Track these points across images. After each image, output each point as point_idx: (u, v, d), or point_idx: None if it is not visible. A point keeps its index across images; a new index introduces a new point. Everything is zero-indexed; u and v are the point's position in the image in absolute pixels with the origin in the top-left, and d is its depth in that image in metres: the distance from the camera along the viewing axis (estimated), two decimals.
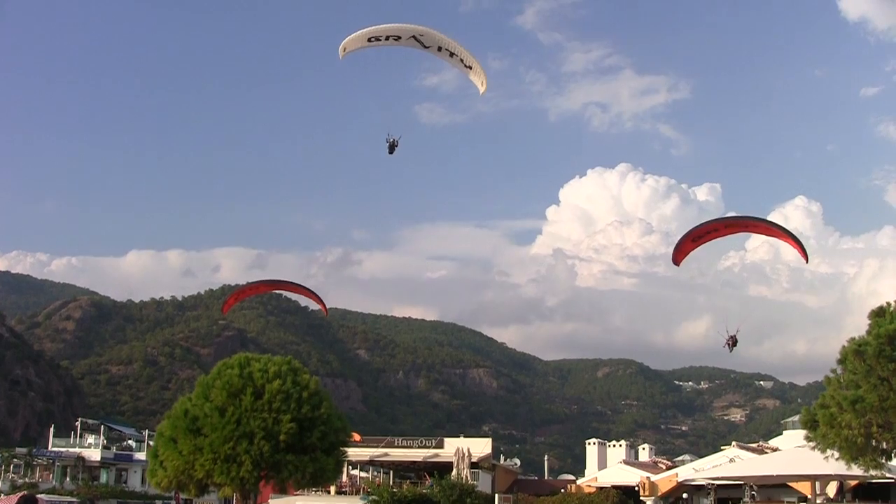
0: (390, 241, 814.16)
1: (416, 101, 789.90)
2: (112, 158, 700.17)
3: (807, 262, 51.15)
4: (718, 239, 53.50)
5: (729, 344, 52.98)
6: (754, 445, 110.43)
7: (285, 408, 47.28)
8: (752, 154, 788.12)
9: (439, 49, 45.71)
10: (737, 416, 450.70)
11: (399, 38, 45.05)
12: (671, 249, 51.37)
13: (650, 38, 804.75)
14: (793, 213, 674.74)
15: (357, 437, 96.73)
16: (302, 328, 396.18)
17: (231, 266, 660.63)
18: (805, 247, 49.35)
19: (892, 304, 47.86)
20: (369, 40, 45.16)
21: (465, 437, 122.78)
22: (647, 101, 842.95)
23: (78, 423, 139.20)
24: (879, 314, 47.66)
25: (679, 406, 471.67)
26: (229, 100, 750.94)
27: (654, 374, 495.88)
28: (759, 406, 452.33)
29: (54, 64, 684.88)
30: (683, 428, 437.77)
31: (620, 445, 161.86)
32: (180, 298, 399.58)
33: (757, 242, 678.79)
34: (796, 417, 75.35)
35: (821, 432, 47.23)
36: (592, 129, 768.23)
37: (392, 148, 50.57)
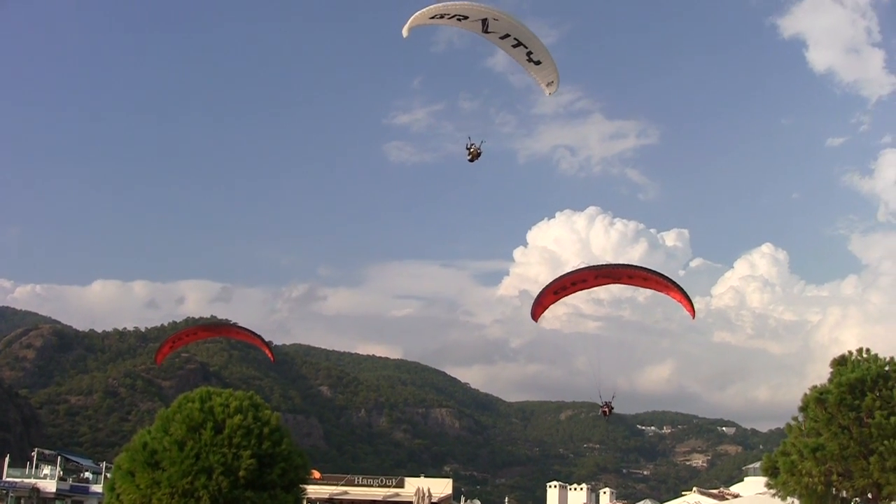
0: (357, 278, 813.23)
1: (386, 140, 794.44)
2: (81, 187, 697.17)
3: (693, 318, 49.54)
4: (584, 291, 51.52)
5: (605, 411, 52.50)
6: (715, 491, 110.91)
7: (245, 443, 46.81)
8: (719, 200, 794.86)
9: (504, 37, 42.25)
10: (699, 461, 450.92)
11: (466, 17, 41.29)
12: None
13: (620, 84, 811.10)
14: (759, 261, 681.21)
15: (317, 474, 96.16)
16: (265, 363, 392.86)
17: (196, 299, 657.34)
18: (692, 301, 48.16)
19: (854, 353, 48.23)
20: (432, 18, 41.56)
21: (425, 476, 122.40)
22: (616, 146, 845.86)
23: (34, 454, 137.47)
24: (841, 363, 48.04)
25: (641, 450, 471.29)
26: (198, 134, 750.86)
27: (617, 418, 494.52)
28: (721, 452, 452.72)
29: (20, 89, 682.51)
30: (645, 472, 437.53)
31: (581, 489, 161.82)
32: (143, 330, 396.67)
33: (723, 289, 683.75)
34: (758, 464, 75.52)
35: (781, 479, 47.38)
36: (561, 171, 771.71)
37: (475, 156, 47.94)
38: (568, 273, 50.14)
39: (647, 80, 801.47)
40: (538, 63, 43.24)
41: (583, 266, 51.60)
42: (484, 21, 41.13)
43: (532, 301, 51.22)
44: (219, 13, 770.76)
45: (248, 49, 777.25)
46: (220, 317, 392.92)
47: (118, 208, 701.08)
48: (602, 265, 51.28)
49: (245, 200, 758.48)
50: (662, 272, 48.32)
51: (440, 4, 40.72)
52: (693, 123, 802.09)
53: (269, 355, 72.58)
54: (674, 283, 47.55)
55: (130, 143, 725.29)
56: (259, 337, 68.59)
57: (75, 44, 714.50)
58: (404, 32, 41.78)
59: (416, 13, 41.16)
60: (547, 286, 49.54)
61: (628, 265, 50.59)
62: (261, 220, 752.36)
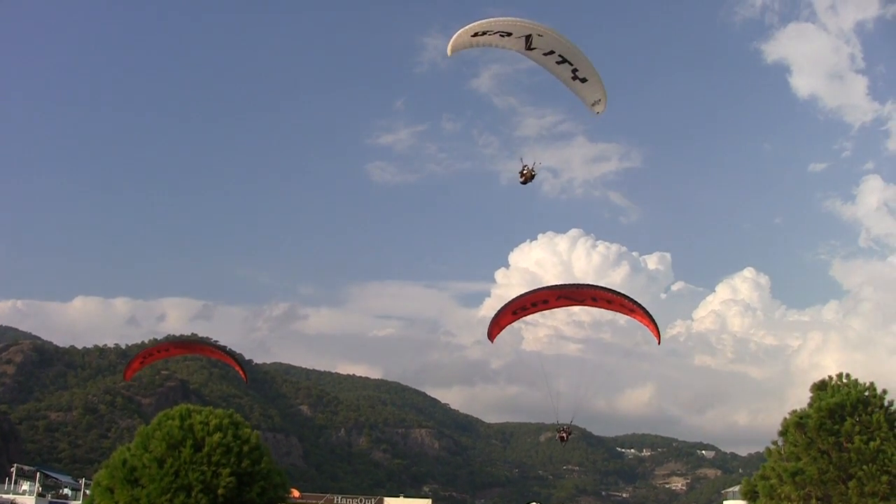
0: (338, 297, 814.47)
1: (369, 160, 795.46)
2: (63, 204, 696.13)
3: (658, 343, 48.84)
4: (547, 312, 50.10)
5: (562, 437, 52.19)
6: None
7: (225, 461, 46.70)
8: (701, 224, 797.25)
9: (548, 54, 40.00)
10: (678, 484, 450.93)
11: (510, 34, 39.07)
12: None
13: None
14: (741, 285, 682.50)
15: (296, 493, 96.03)
16: (245, 382, 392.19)
17: (176, 316, 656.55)
18: (658, 326, 47.11)
19: (834, 377, 48.35)
20: (475, 35, 39.49)
21: (405, 497, 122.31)
22: (599, 169, 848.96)
23: (13, 469, 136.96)
24: (821, 387, 48.15)
25: (620, 473, 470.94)
26: (181, 152, 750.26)
27: (597, 441, 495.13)
28: (701, 475, 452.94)
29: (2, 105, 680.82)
30: (624, 495, 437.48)
31: None
32: (124, 346, 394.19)
33: (704, 312, 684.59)
34: (737, 488, 75.71)
35: (761, 503, 47.39)
36: (543, 194, 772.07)
37: (528, 179, 45.52)
38: (528, 293, 49.04)
39: (630, 103, 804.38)
40: (584, 81, 41.37)
41: (544, 286, 50.78)
42: (528, 38, 39.41)
43: (490, 321, 50.09)
44: (202, 33, 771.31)
45: (231, 68, 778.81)
46: (200, 334, 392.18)
47: (100, 225, 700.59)
48: (564, 285, 50.12)
49: (227, 219, 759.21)
50: (636, 296, 47.35)
51: (483, 21, 39.14)
52: (675, 147, 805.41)
53: (243, 375, 71.38)
54: (640, 306, 46.71)
55: (113, 162, 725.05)
56: (232, 356, 67.50)
57: (48, 57, 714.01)
58: (448, 51, 40.56)
59: (460, 30, 39.85)
60: (505, 306, 48.72)
61: (592, 286, 49.08)
62: (243, 239, 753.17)
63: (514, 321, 49.12)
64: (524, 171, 45.48)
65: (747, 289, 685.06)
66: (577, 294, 48.59)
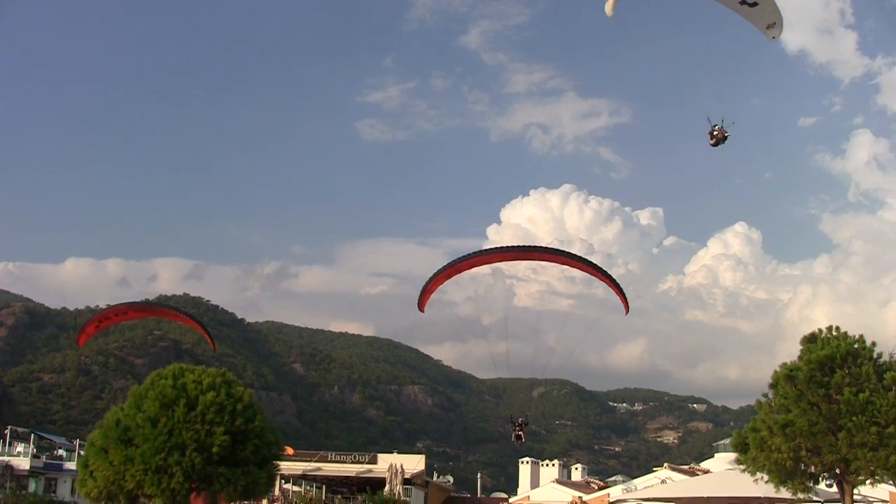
0: (330, 255, 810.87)
1: (358, 117, 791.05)
2: (53, 164, 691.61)
3: (626, 312, 47.69)
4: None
5: (519, 434, 51.65)
6: (686, 467, 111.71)
7: (218, 420, 46.87)
8: (693, 179, 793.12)
9: None
10: (670, 437, 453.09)
11: None
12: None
13: (593, 62, 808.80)
14: (733, 240, 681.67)
15: (290, 450, 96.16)
16: (238, 341, 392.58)
17: (168, 277, 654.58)
18: (626, 294, 45.73)
19: (824, 330, 48.58)
20: None
21: (398, 453, 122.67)
22: (589, 124, 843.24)
23: (7, 431, 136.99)
24: (811, 340, 48.36)
25: (613, 427, 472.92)
26: (170, 111, 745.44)
27: (589, 395, 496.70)
28: (692, 428, 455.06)
29: None
30: (617, 449, 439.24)
31: (553, 465, 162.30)
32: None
33: (695, 267, 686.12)
34: (728, 440, 75.90)
35: (751, 455, 47.70)
36: (533, 150, 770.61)
37: (720, 140, 42.56)
38: (468, 256, 47.01)
39: (619, 59, 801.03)
40: (753, 5, 36.81)
41: (489, 248, 48.75)
42: None
43: (421, 291, 48.34)
44: None
45: (218, 26, 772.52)
46: (192, 294, 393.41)
47: (91, 186, 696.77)
48: (510, 247, 48.32)
49: (218, 178, 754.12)
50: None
51: None
52: (666, 103, 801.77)
53: (210, 342, 70.21)
54: (602, 271, 45.97)
55: (102, 121, 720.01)
56: (198, 322, 65.77)
57: (42, 19, 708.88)
58: (609, 11, 38.08)
59: None
60: (439, 271, 47.10)
61: (545, 249, 47.49)
62: (234, 198, 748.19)
63: (446, 281, 47.44)
64: (714, 133, 42.74)
65: (739, 243, 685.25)
66: (525, 256, 47.53)
